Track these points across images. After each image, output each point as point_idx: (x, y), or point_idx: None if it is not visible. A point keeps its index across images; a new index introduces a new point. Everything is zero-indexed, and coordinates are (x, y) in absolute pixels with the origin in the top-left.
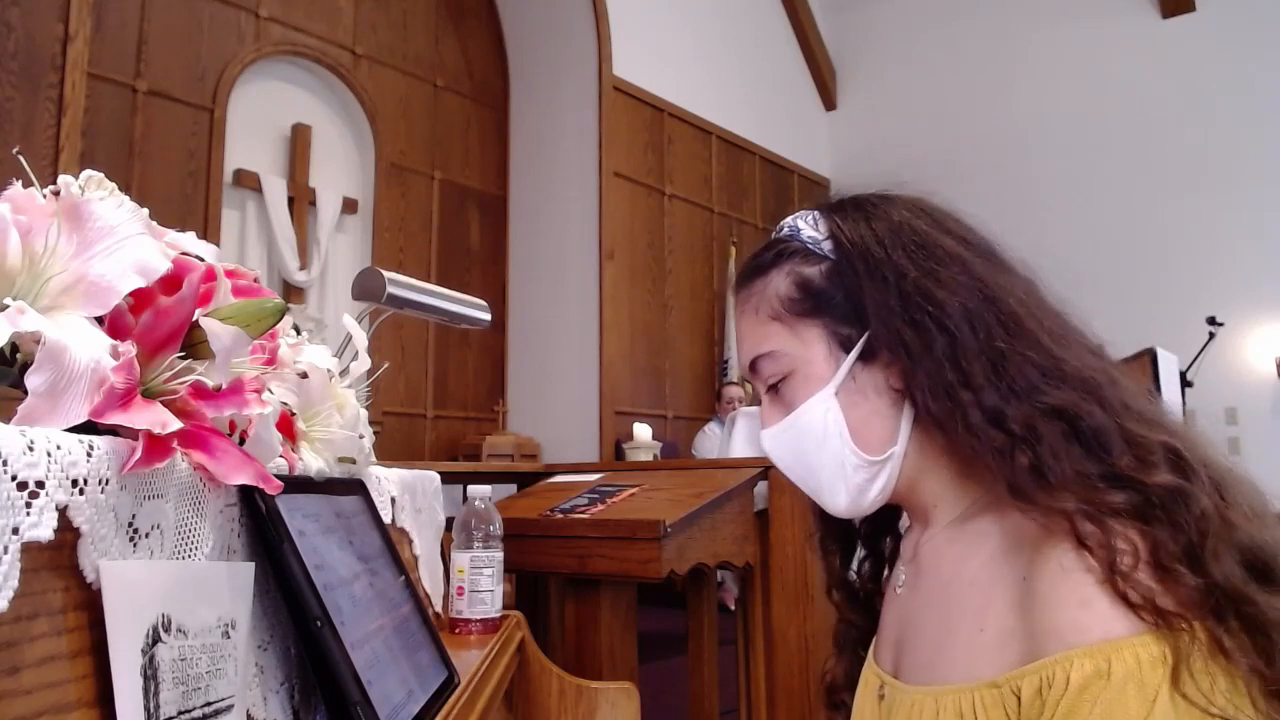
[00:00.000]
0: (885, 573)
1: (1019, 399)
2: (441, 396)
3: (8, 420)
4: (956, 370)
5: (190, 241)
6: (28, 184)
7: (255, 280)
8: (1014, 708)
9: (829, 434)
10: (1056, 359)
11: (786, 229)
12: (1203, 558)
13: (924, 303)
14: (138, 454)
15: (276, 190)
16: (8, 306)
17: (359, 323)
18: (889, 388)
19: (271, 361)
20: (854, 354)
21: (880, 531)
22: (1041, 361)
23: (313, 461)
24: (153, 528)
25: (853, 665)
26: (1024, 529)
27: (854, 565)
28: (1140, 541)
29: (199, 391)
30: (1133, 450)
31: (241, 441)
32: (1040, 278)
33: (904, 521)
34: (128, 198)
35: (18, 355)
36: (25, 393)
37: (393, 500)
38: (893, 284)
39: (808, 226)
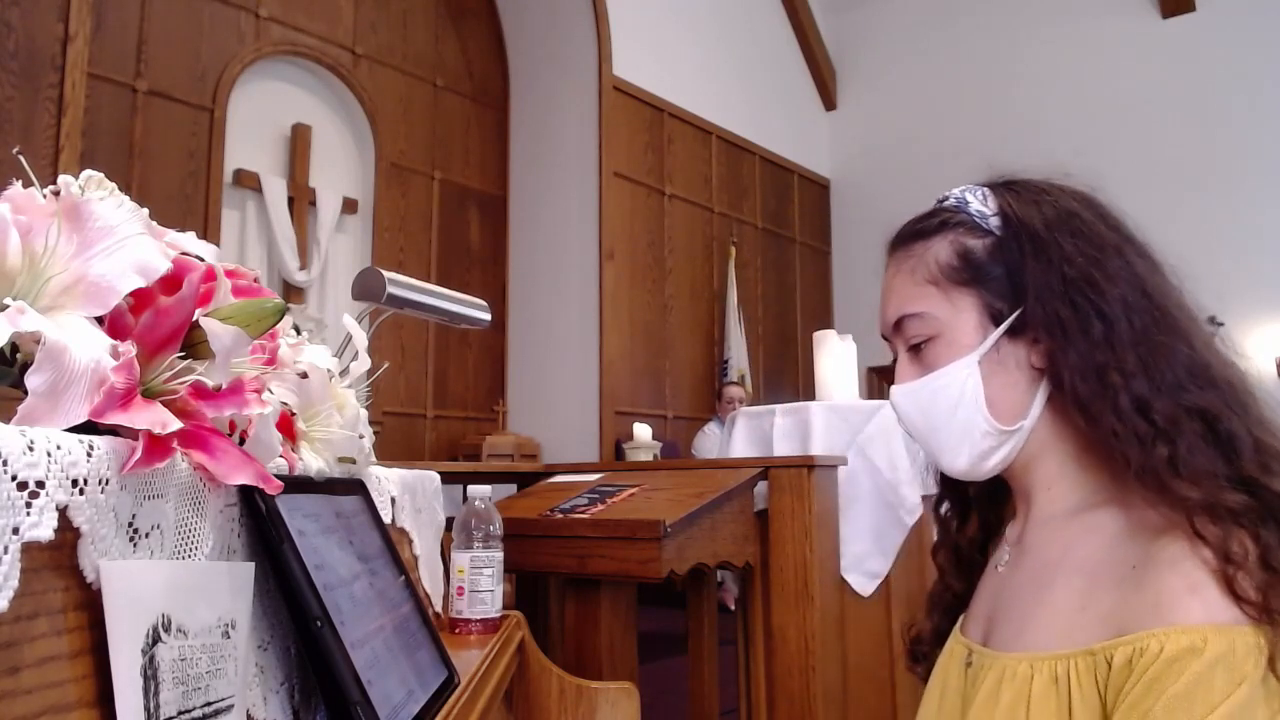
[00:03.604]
0: (987, 549)
1: (1166, 393)
2: (441, 396)
3: (8, 420)
4: (1111, 354)
5: (190, 241)
6: (28, 184)
7: (255, 280)
8: (1104, 675)
9: (965, 399)
10: (1204, 362)
11: (954, 200)
12: None
13: (1086, 288)
14: (138, 454)
15: (276, 190)
16: (8, 306)
17: (359, 323)
18: (1029, 365)
19: (271, 361)
20: (1005, 326)
21: (995, 502)
22: (1190, 361)
23: (313, 461)
24: (153, 528)
25: (940, 625)
26: (1145, 522)
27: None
28: (1252, 543)
29: (199, 391)
30: (1260, 457)
31: (241, 441)
32: (1188, 287)
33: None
34: (128, 198)
35: (18, 355)
36: (25, 393)
37: (393, 500)
38: (1056, 266)
39: (976, 200)
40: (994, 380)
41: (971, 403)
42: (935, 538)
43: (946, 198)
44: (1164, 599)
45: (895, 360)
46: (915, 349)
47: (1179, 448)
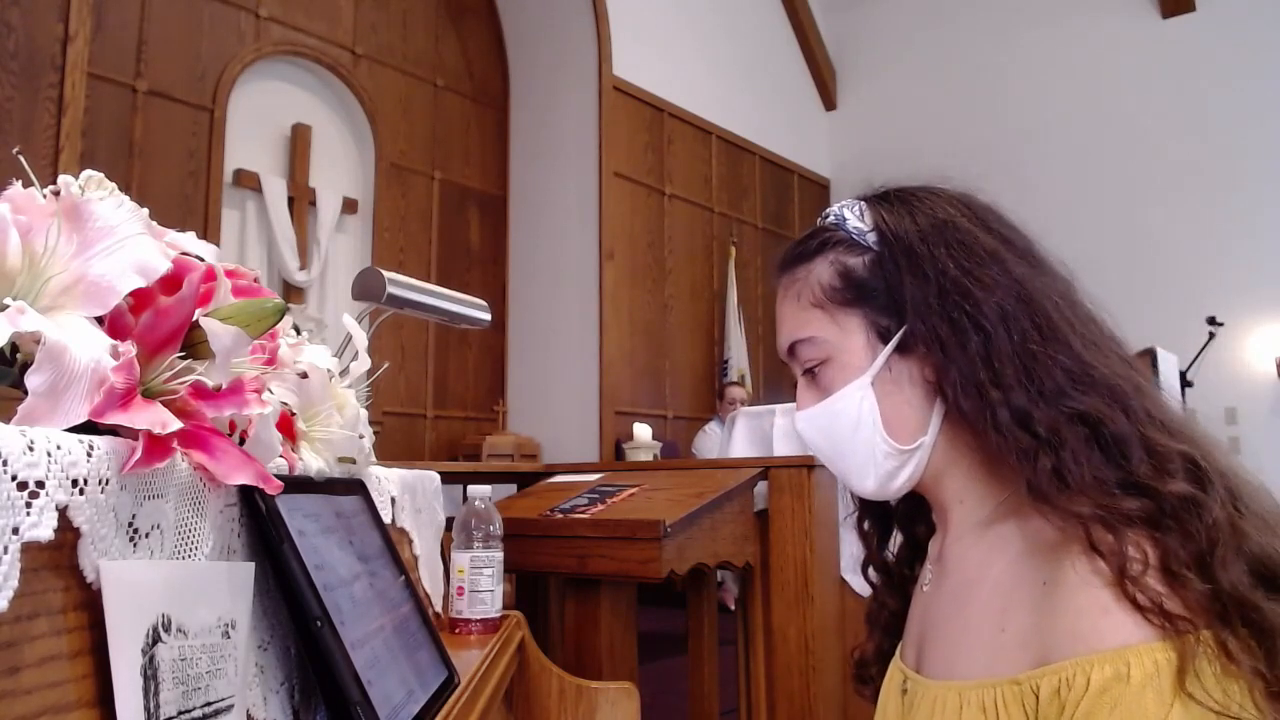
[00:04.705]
0: (918, 562)
1: (1046, 402)
2: (441, 396)
3: (8, 420)
4: (988, 369)
5: (190, 241)
6: (28, 184)
7: (255, 280)
8: (1032, 705)
9: (862, 421)
10: (1086, 365)
11: (832, 218)
12: (1211, 565)
13: (961, 301)
14: (138, 454)
15: (276, 190)
16: (8, 306)
17: (359, 323)
18: (923, 380)
19: (271, 361)
20: (891, 345)
21: (916, 517)
22: (1071, 366)
23: (313, 461)
24: (153, 528)
25: (882, 644)
26: (1044, 534)
27: (890, 548)
28: (1151, 548)
29: (199, 391)
30: (1151, 458)
31: (241, 441)
32: (1078, 280)
33: None
34: (128, 198)
35: (18, 355)
36: (25, 393)
37: (393, 500)
38: (932, 280)
39: (853, 217)
40: (889, 400)
41: (869, 424)
42: (862, 555)
43: (827, 215)
44: (1080, 624)
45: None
46: (810, 373)
47: (1063, 458)
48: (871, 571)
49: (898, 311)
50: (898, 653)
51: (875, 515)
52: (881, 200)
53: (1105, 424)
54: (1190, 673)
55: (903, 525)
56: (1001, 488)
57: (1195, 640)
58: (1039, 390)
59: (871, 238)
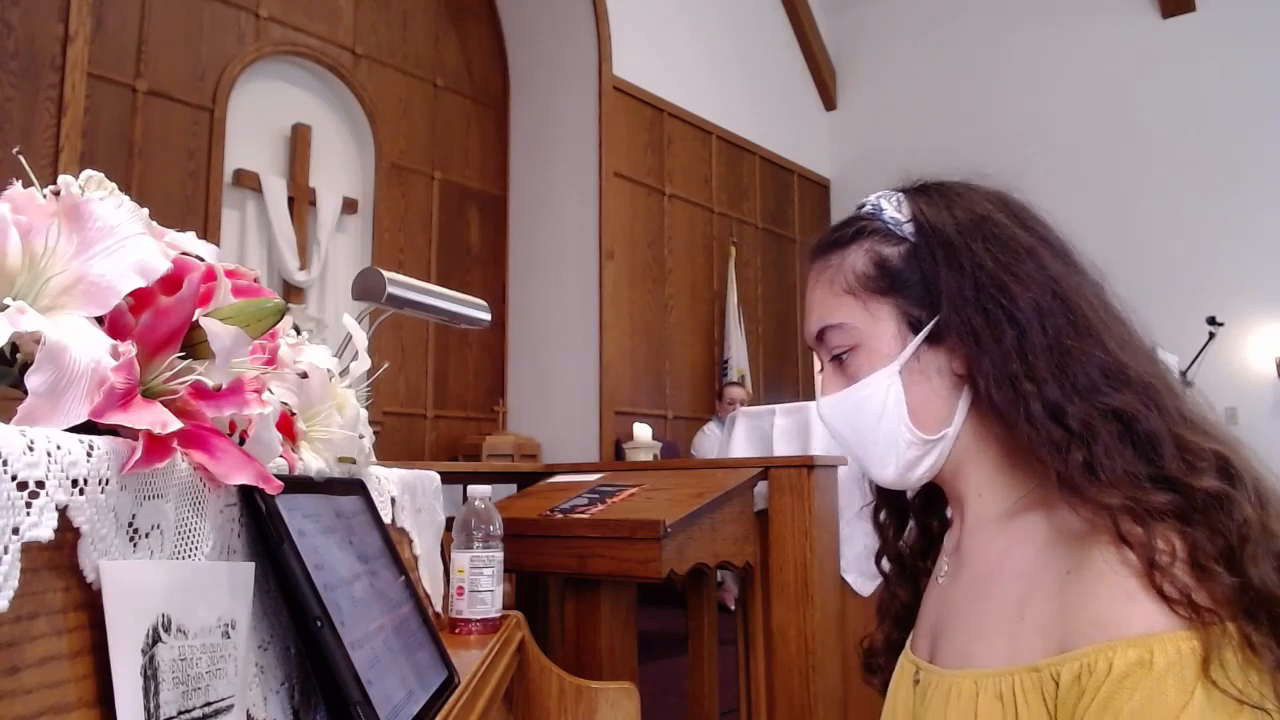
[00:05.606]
0: (930, 555)
1: (1080, 397)
2: (441, 396)
3: (8, 420)
4: (1022, 362)
5: (190, 241)
6: (28, 184)
7: (255, 280)
8: (1052, 693)
9: (888, 410)
10: (1120, 362)
11: (869, 207)
12: (1241, 560)
13: (998, 294)
14: (138, 454)
15: (276, 190)
16: (8, 306)
17: (359, 323)
18: (950, 371)
19: (271, 361)
20: (922, 335)
21: (930, 509)
22: (1106, 363)
23: (313, 461)
24: (153, 528)
25: (892, 634)
26: (1070, 525)
27: (904, 538)
28: (1179, 541)
29: (199, 391)
30: (1182, 455)
31: (241, 441)
32: (1109, 282)
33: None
34: (128, 198)
35: (18, 355)
36: (25, 393)
37: (393, 500)
38: (969, 273)
39: (890, 207)
40: (916, 389)
41: (895, 413)
42: (878, 545)
43: (864, 204)
44: (1104, 611)
45: (821, 370)
46: (838, 360)
47: (1095, 451)
48: (884, 561)
49: (931, 303)
50: (908, 644)
51: (892, 506)
52: (919, 192)
53: (1138, 420)
54: (1214, 661)
55: (917, 517)
56: (1023, 482)
57: (1221, 632)
58: (1073, 385)
59: (908, 228)
